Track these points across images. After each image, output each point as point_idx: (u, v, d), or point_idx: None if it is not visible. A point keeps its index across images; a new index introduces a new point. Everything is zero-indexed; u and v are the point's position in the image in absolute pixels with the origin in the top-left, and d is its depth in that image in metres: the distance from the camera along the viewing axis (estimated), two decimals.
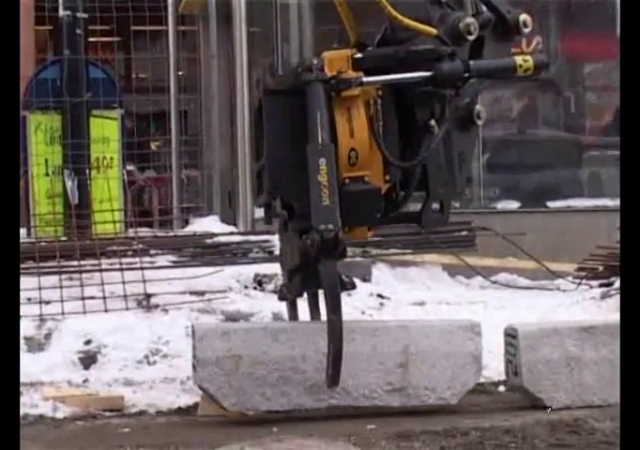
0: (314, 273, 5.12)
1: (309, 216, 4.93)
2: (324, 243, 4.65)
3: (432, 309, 7.52)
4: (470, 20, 5.69)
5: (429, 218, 5.82)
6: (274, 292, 7.97)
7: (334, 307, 4.77)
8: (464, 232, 9.98)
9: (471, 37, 5.70)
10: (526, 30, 6.04)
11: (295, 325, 5.97)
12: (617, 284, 8.03)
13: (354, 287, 5.95)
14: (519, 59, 5.84)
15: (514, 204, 11.33)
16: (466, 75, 5.66)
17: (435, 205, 5.83)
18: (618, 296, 7.81)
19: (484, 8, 5.97)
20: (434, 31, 5.64)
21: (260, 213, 10.70)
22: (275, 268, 8.58)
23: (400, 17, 5.73)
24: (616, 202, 11.12)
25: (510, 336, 5.37)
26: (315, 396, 5.02)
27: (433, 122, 5.61)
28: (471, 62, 5.72)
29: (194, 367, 5.09)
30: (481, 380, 5.37)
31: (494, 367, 5.51)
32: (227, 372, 4.98)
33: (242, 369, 4.99)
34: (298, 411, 4.96)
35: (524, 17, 5.92)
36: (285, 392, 5.01)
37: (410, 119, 5.76)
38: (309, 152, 5.02)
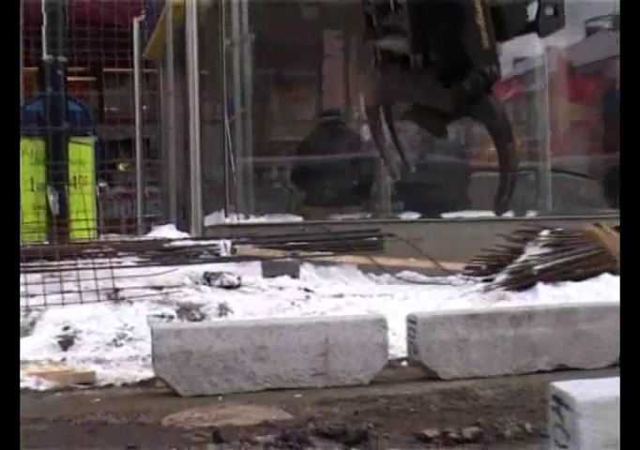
0: None
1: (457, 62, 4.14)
2: (488, 83, 4.25)
3: (348, 301, 7.55)
4: None
5: None
6: (220, 287, 7.99)
7: (510, 134, 4.46)
8: (374, 238, 10.04)
9: None
10: None
11: (234, 324, 6.01)
12: (498, 279, 8.11)
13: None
14: None
15: (415, 215, 11.38)
16: None
17: None
18: (498, 289, 7.91)
19: None
20: None
21: (209, 221, 10.76)
22: (221, 267, 8.60)
23: None
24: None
25: (411, 321, 5.41)
26: (253, 381, 5.05)
27: None
28: None
29: (153, 360, 5.10)
30: (388, 358, 5.39)
31: (398, 347, 5.53)
32: (180, 365, 4.99)
33: (192, 362, 5.00)
34: (240, 393, 4.96)
35: None
36: (228, 379, 5.02)
37: None
38: None
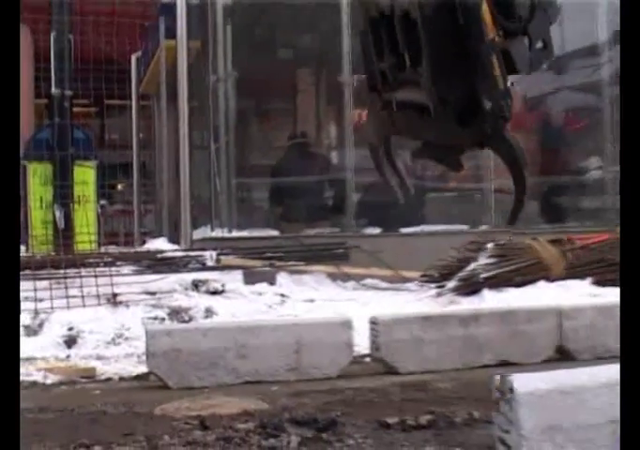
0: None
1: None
2: (505, 121, 4.21)
3: (319, 305, 7.54)
4: None
5: None
6: (206, 292, 7.98)
7: (524, 162, 4.41)
8: (341, 250, 10.07)
9: None
10: None
11: (219, 325, 6.01)
12: (449, 285, 8.12)
13: None
14: None
15: (377, 230, 11.39)
16: None
17: None
18: (449, 294, 7.93)
19: None
20: None
21: (196, 235, 10.74)
22: (207, 275, 8.59)
23: None
24: (448, 227, 11.31)
25: (374, 323, 5.41)
26: (235, 375, 5.04)
27: None
28: None
29: (147, 357, 5.10)
30: (353, 354, 5.39)
31: (362, 345, 5.52)
32: (170, 361, 4.99)
33: (181, 359, 5.00)
34: (223, 386, 4.96)
35: None
36: (213, 373, 5.01)
37: None
38: (483, 50, 4.10)
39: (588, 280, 7.85)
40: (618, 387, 3.03)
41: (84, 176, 10.98)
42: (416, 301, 7.71)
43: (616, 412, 2.94)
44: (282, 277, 8.91)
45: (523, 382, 3.00)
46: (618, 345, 5.56)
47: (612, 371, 3.22)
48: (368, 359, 5.51)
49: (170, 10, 11.64)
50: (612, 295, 7.13)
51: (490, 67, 3.85)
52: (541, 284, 7.81)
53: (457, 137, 4.12)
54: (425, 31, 3.73)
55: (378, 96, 4.20)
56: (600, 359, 5.25)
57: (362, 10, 4.06)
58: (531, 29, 3.99)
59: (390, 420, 3.83)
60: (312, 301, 7.77)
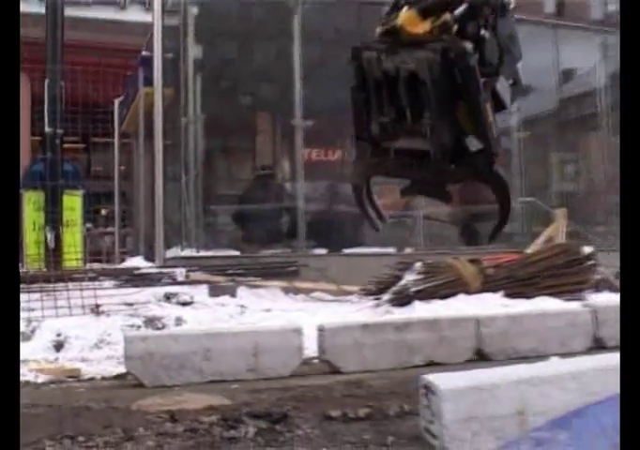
0: None
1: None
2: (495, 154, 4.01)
3: (274, 314, 7.52)
4: None
5: None
6: (177, 304, 7.94)
7: (509, 192, 4.25)
8: (293, 267, 10.11)
9: None
10: None
11: (187, 332, 5.98)
12: (384, 298, 8.15)
13: None
14: None
15: (323, 251, 11.42)
16: None
17: None
18: (385, 305, 7.95)
19: None
20: None
21: (169, 254, 10.68)
22: (177, 289, 8.55)
23: None
24: (383, 250, 11.37)
25: (321, 330, 5.42)
26: (201, 375, 5.01)
27: None
28: None
29: (125, 359, 5.05)
30: (303, 357, 5.38)
31: (311, 349, 5.51)
32: (145, 363, 4.94)
33: (155, 361, 4.96)
34: (191, 385, 4.92)
35: None
36: (182, 374, 4.98)
37: None
38: (480, 101, 3.93)
39: (501, 293, 7.93)
40: (526, 384, 3.08)
41: (72, 203, 10.92)
42: (356, 311, 7.72)
43: (522, 404, 2.98)
44: (242, 291, 8.91)
45: (445, 380, 3.02)
46: (527, 347, 5.67)
47: (520, 370, 3.27)
48: (315, 361, 5.51)
49: (148, 62, 11.62)
50: (521, 306, 7.23)
51: (485, 114, 3.85)
52: (462, 297, 7.87)
53: (450, 175, 4.12)
54: (428, 88, 3.72)
55: (370, 144, 4.11)
56: (511, 360, 5.29)
57: (361, 70, 3.92)
58: (503, 69, 3.98)
59: (334, 413, 3.84)
60: (267, 311, 7.75)
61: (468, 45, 3.67)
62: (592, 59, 13.64)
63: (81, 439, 3.45)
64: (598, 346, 5.98)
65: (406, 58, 3.73)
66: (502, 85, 3.95)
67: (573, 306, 6.80)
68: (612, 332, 6.08)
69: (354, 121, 4.07)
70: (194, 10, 11.73)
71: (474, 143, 3.90)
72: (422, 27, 3.73)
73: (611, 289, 8.67)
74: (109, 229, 16.87)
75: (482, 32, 3.72)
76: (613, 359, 3.47)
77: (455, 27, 3.70)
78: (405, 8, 3.84)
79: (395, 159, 4.02)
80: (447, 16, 3.69)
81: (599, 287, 8.54)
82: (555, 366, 3.52)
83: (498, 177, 4.08)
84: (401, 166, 4.08)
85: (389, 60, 3.76)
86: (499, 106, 3.95)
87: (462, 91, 3.72)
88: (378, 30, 3.94)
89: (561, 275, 8.35)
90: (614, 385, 3.09)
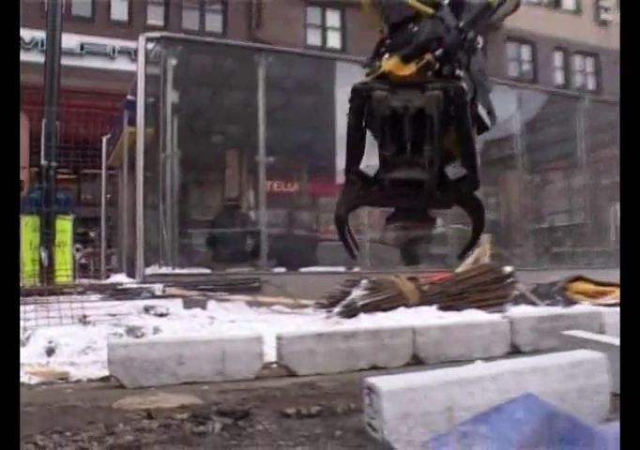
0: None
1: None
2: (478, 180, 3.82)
3: (239, 325, 7.47)
4: None
5: None
6: (155, 315, 7.87)
7: (484, 217, 4.07)
8: (256, 283, 10.10)
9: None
10: None
11: (163, 340, 5.93)
12: (335, 310, 8.16)
13: None
14: None
15: (282, 269, 11.42)
16: (463, 36, 3.65)
17: None
18: (335, 317, 7.95)
19: None
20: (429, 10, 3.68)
21: (148, 271, 10.59)
22: (155, 302, 8.47)
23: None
24: (334, 269, 11.39)
25: (279, 338, 5.39)
26: (175, 378, 4.95)
27: None
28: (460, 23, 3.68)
29: (109, 363, 4.97)
30: (264, 362, 5.35)
31: (271, 354, 5.45)
32: (126, 367, 4.88)
33: (135, 365, 4.90)
34: (166, 386, 4.87)
35: None
36: (159, 376, 4.91)
37: None
38: (472, 132, 3.82)
39: (435, 307, 7.97)
40: (454, 385, 3.10)
41: (64, 226, 10.79)
42: (311, 322, 7.70)
43: (450, 402, 3.00)
44: (212, 304, 8.85)
45: (385, 382, 3.04)
46: (456, 353, 5.70)
47: (449, 373, 3.30)
48: (275, 365, 5.48)
49: (132, 105, 11.60)
50: (451, 318, 7.27)
51: (473, 144, 3.74)
52: (401, 310, 7.90)
53: (436, 201, 4.02)
54: (431, 124, 3.62)
55: (359, 177, 3.82)
56: (442, 363, 5.33)
57: (362, 108, 3.66)
58: (478, 100, 3.77)
59: (289, 411, 3.82)
60: (233, 322, 7.70)
61: (464, 84, 3.59)
62: (510, 109, 13.92)
63: (68, 434, 3.39)
64: (514, 351, 6.04)
65: (412, 97, 3.61)
66: (482, 110, 3.87)
67: (495, 317, 6.86)
68: (526, 339, 6.17)
69: (348, 155, 3.84)
70: (173, 61, 11.77)
71: (461, 171, 3.85)
72: (409, 69, 3.64)
73: (527, 302, 8.78)
74: (96, 249, 16.69)
75: (457, 71, 3.65)
76: (527, 362, 3.53)
77: (437, 66, 3.61)
78: (387, 56, 3.78)
79: (381, 189, 3.81)
80: (428, 57, 3.61)
81: (517, 301, 8.63)
82: (478, 368, 3.54)
83: (478, 202, 4.01)
84: (388, 196, 3.89)
85: (396, 99, 3.61)
86: (482, 128, 3.88)
87: (456, 124, 3.66)
88: (368, 76, 3.77)
89: (486, 291, 8.43)
90: (527, 385, 3.15)
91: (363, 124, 3.73)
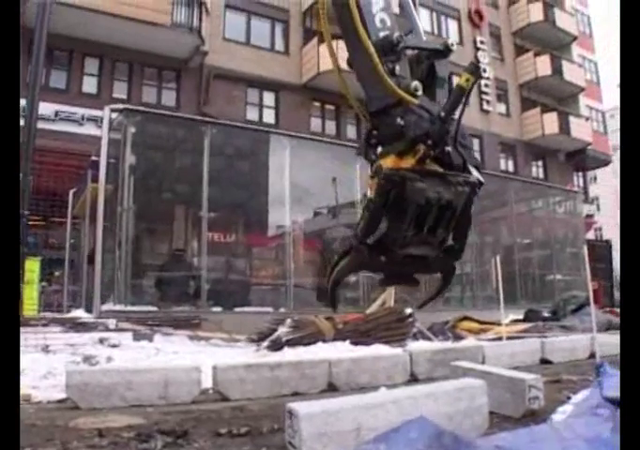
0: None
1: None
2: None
3: (181, 356, 7.32)
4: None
5: None
6: (108, 346, 7.67)
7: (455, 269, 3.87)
8: (196, 320, 9.99)
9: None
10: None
11: (114, 367, 5.78)
12: (263, 344, 8.10)
13: None
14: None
15: (219, 308, 11.33)
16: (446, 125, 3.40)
17: None
18: (264, 350, 7.89)
19: None
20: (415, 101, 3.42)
21: (104, 308, 10.32)
22: (109, 334, 8.26)
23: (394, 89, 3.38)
24: (263, 309, 11.34)
25: (215, 368, 5.30)
26: (124, 401, 4.75)
27: None
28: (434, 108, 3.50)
29: (66, 387, 4.75)
30: (201, 388, 5.25)
31: (207, 382, 5.35)
32: (82, 390, 4.69)
33: (89, 389, 4.72)
34: (116, 408, 4.73)
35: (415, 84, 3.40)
36: (110, 400, 4.74)
37: None
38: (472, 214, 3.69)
39: (348, 342, 8.01)
40: (361, 408, 3.12)
41: (32, 266, 10.55)
42: (242, 354, 7.63)
43: (358, 423, 3.02)
44: (158, 337, 8.71)
45: (303, 406, 3.05)
46: (365, 381, 5.73)
47: (357, 398, 3.32)
48: (210, 391, 5.39)
49: (96, 165, 11.54)
50: (361, 351, 7.32)
51: (469, 223, 3.66)
52: (320, 344, 7.90)
53: (426, 269, 3.80)
54: (453, 212, 3.46)
55: (368, 248, 3.56)
56: (353, 390, 5.35)
57: (389, 192, 3.39)
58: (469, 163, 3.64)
59: (222, 430, 3.77)
60: (176, 353, 7.56)
61: (479, 177, 3.50)
62: None
63: (28, 449, 3.27)
64: (413, 379, 6.10)
65: (443, 190, 3.42)
66: (474, 171, 3.61)
67: (397, 351, 6.92)
68: (422, 369, 6.25)
69: (364, 229, 3.55)
70: (132, 129, 11.79)
71: (454, 244, 3.74)
72: (408, 162, 3.46)
73: (424, 338, 8.91)
74: (59, 287, 16.20)
75: (447, 148, 3.49)
76: (422, 389, 3.59)
77: (431, 153, 3.45)
78: (380, 149, 3.59)
79: (390, 261, 3.59)
80: (422, 148, 3.43)
81: (415, 337, 8.76)
82: (382, 394, 3.58)
83: (454, 268, 3.91)
84: (390, 265, 3.67)
85: (430, 190, 3.39)
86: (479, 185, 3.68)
87: (463, 208, 3.56)
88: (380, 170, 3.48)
89: (390, 328, 8.53)
90: (422, 408, 3.21)
91: (386, 205, 3.50)
